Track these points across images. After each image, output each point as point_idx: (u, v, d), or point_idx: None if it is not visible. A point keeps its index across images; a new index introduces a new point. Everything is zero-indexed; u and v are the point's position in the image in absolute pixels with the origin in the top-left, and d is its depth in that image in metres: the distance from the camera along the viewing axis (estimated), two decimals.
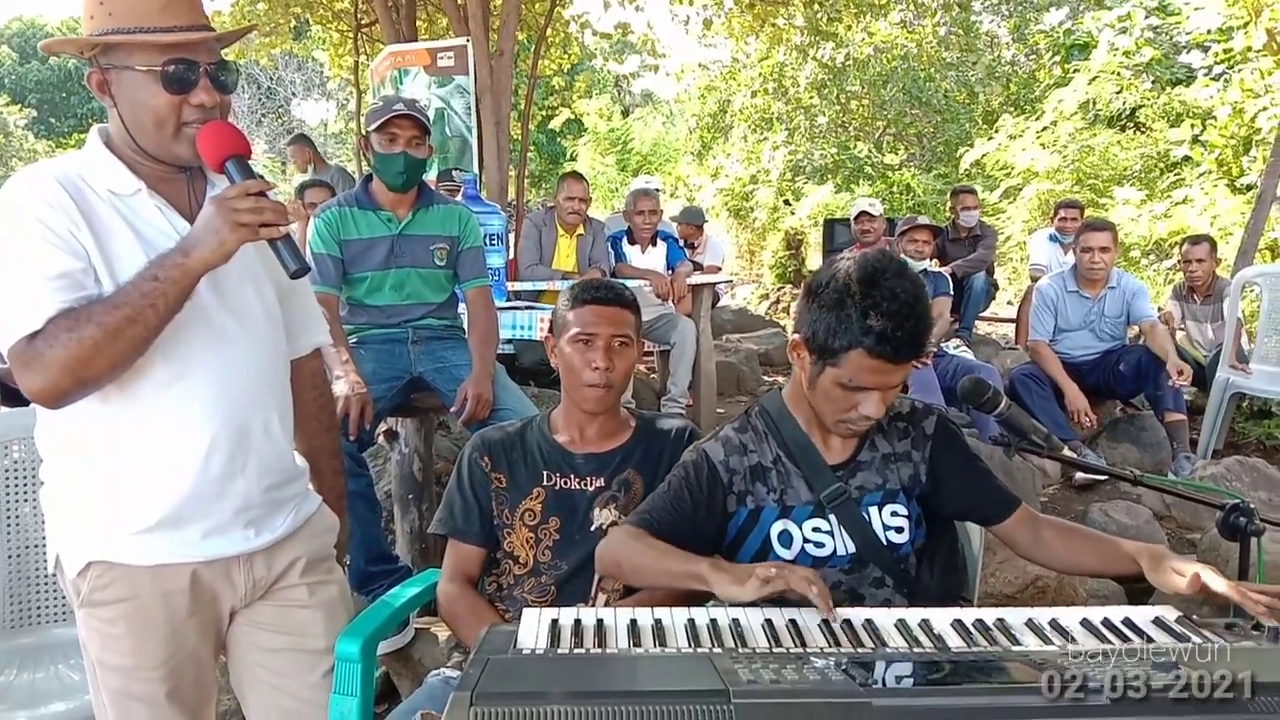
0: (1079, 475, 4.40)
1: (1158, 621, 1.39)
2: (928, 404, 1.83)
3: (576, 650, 1.24)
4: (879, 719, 1.01)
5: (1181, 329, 5.47)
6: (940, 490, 1.78)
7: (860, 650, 1.27)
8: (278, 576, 1.76)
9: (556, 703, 1.02)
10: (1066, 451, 1.79)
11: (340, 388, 2.66)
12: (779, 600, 1.41)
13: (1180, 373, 4.40)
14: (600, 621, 1.35)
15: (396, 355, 2.95)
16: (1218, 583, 1.45)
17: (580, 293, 1.95)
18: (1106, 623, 1.38)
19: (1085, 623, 1.38)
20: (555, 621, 1.35)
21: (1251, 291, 5.18)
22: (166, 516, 1.62)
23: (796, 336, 1.69)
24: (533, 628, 1.32)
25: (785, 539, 1.73)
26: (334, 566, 1.89)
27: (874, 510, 1.74)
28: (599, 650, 1.24)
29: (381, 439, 3.19)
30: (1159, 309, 5.46)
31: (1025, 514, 1.77)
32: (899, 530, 1.73)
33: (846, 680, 1.08)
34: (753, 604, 1.40)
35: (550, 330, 2.03)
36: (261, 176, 1.55)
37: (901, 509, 1.75)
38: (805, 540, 1.73)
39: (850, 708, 1.02)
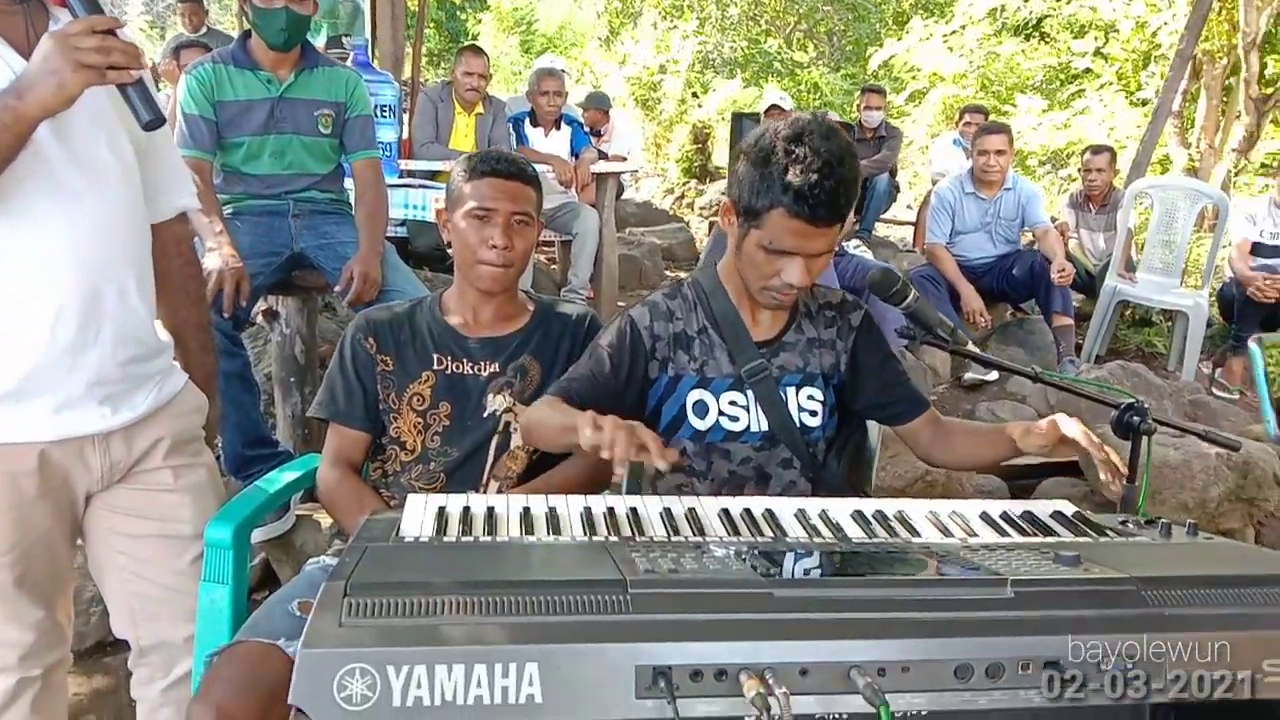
0: (968, 375, 4.50)
1: (1056, 515, 1.39)
2: (858, 299, 1.80)
3: (464, 539, 1.16)
4: (779, 608, 0.96)
5: (1075, 237, 5.59)
6: (856, 383, 1.78)
7: (760, 540, 1.22)
8: (138, 458, 1.63)
9: (439, 593, 0.94)
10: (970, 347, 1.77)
11: (213, 261, 2.47)
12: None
13: (1062, 271, 4.50)
14: (491, 510, 1.27)
15: (276, 229, 2.76)
16: (1071, 426, 1.52)
17: (478, 164, 1.81)
18: (1006, 516, 1.37)
19: (985, 516, 1.37)
20: (442, 509, 1.26)
21: (1143, 203, 5.30)
22: (9, 391, 1.47)
23: (726, 199, 1.67)
24: (417, 515, 1.24)
25: (700, 409, 1.71)
26: (202, 449, 1.76)
27: (791, 391, 1.72)
28: (489, 539, 1.17)
29: (261, 319, 3.00)
30: (1053, 218, 5.56)
31: (930, 416, 1.79)
32: (813, 414, 1.72)
33: (746, 569, 1.03)
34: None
35: (444, 204, 1.89)
36: (109, 13, 1.36)
37: (818, 394, 1.72)
38: (720, 413, 1.71)
39: (750, 597, 0.97)
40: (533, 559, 1.10)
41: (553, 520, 1.25)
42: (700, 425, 1.71)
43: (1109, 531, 1.34)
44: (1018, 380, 4.42)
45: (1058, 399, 3.89)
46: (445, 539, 1.15)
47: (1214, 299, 5.11)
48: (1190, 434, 1.83)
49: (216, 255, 2.49)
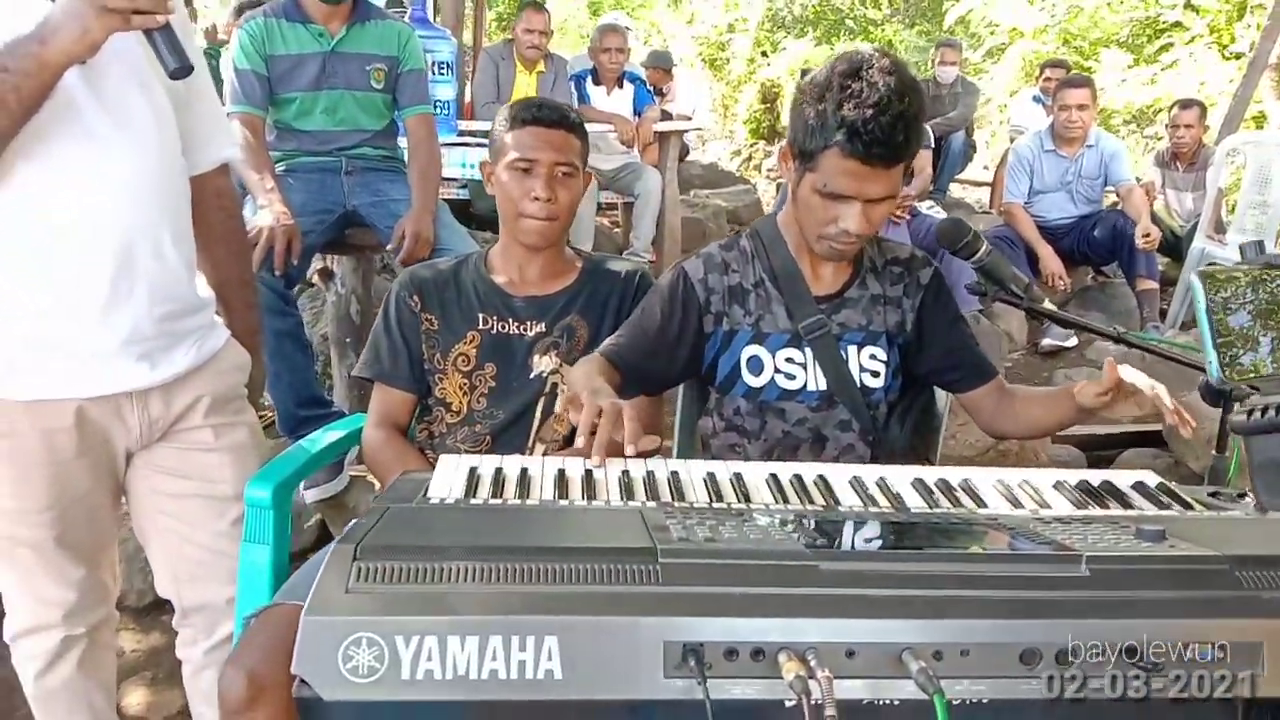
0: (1045, 341, 4.31)
1: (1138, 487, 1.27)
2: (928, 255, 1.69)
3: (493, 502, 1.10)
4: (825, 583, 0.88)
5: (1160, 197, 5.31)
6: (922, 345, 1.67)
7: (810, 508, 1.13)
8: (178, 416, 1.60)
9: (456, 558, 0.87)
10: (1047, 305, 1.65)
11: (264, 218, 2.44)
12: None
13: (1147, 235, 4.28)
14: (524, 471, 1.20)
15: (328, 186, 2.72)
16: (1128, 370, 1.40)
17: (519, 112, 1.73)
18: (1083, 487, 1.26)
19: (1059, 486, 1.26)
20: (474, 470, 1.20)
21: (1235, 161, 5.01)
22: (43, 346, 1.44)
23: (784, 143, 1.57)
24: (447, 476, 1.17)
25: (755, 365, 1.63)
26: (244, 408, 1.73)
27: (852, 350, 1.62)
28: (518, 503, 1.10)
29: (316, 279, 2.99)
30: (1138, 178, 5.29)
31: (996, 384, 1.68)
32: (875, 374, 1.62)
33: (790, 539, 0.94)
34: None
35: (488, 155, 1.82)
36: None
37: (881, 353, 1.63)
38: (776, 370, 1.63)
39: (793, 570, 0.88)
40: (562, 524, 1.03)
41: (588, 484, 1.18)
42: (755, 383, 1.63)
43: (1196, 505, 1.22)
44: (1098, 347, 4.22)
45: (1143, 366, 3.70)
46: (473, 501, 1.09)
47: None
48: None
49: (268, 212, 2.46)
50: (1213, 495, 1.26)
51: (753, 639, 0.83)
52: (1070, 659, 0.86)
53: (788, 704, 0.83)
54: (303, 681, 0.81)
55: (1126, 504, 1.22)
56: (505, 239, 1.81)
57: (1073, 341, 4.30)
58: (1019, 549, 0.96)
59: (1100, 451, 3.02)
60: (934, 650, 0.85)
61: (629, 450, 1.22)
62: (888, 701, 0.85)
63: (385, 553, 0.88)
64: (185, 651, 1.75)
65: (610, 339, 1.65)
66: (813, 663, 0.81)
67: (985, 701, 0.86)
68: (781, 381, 1.62)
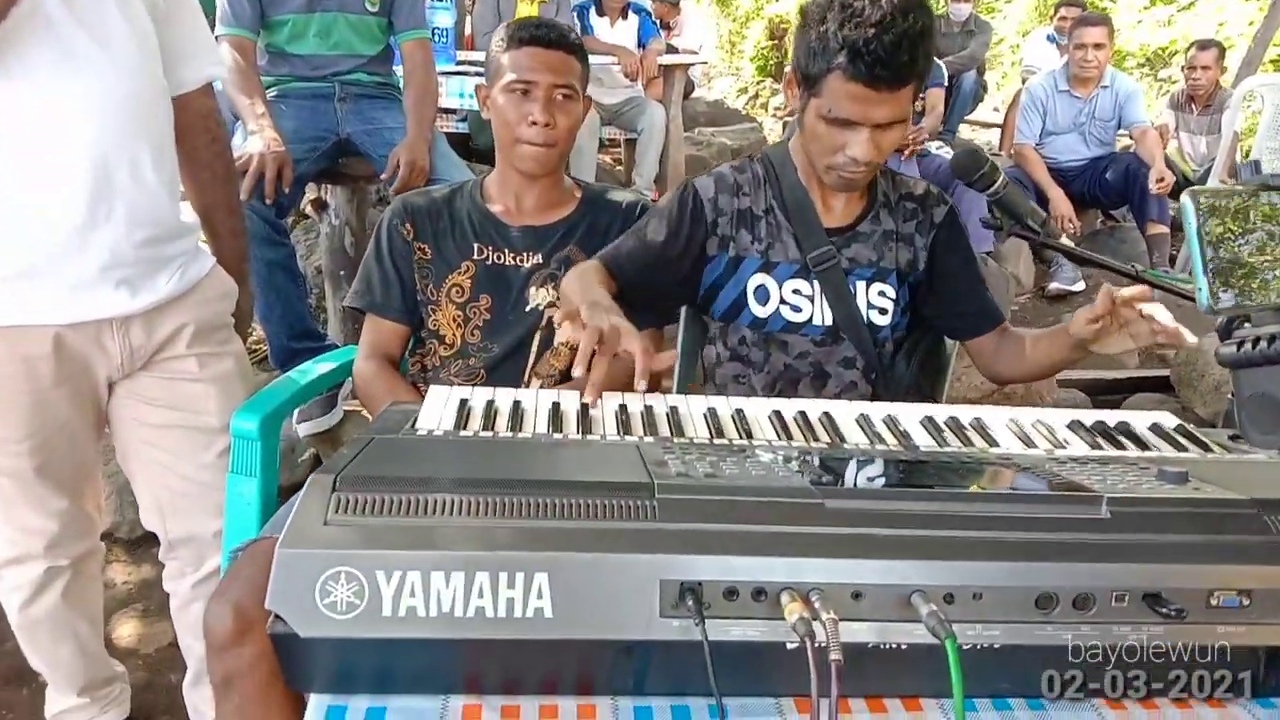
0: (1052, 285, 4.25)
1: (1155, 429, 1.22)
2: (943, 192, 1.63)
3: (484, 434, 1.05)
4: (831, 521, 0.83)
5: (1174, 140, 5.20)
6: (933, 285, 1.62)
7: (815, 445, 1.09)
8: (160, 345, 1.55)
9: (442, 490, 0.82)
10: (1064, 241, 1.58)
11: (254, 144, 2.36)
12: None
13: (1161, 179, 4.19)
14: (517, 404, 1.15)
15: (321, 113, 2.63)
16: (1123, 291, 1.35)
17: (517, 31, 1.65)
18: (1100, 427, 1.21)
19: (1075, 425, 1.21)
20: (464, 402, 1.15)
21: (1251, 104, 4.88)
22: (19, 271, 1.39)
23: (789, 70, 1.51)
24: (437, 408, 1.12)
25: (762, 295, 1.58)
26: (230, 337, 1.68)
27: (861, 285, 1.57)
28: (510, 436, 1.05)
29: (310, 209, 2.91)
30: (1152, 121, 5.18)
31: (1001, 329, 1.63)
32: (883, 311, 1.57)
33: (795, 476, 0.90)
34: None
35: (485, 79, 1.74)
36: None
37: (890, 291, 1.57)
38: (783, 301, 1.57)
39: (797, 508, 0.84)
40: (554, 458, 0.98)
41: (584, 418, 1.13)
42: (760, 312, 1.57)
43: (1216, 448, 1.17)
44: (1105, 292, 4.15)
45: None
46: (462, 433, 1.04)
47: None
48: None
49: (259, 138, 2.38)
50: (1233, 438, 1.21)
51: (754, 578, 0.79)
52: (1088, 604, 0.82)
53: (789, 646, 0.80)
54: (278, 617, 0.77)
55: (1143, 445, 1.17)
56: (501, 166, 1.74)
57: (1080, 286, 4.24)
58: (1036, 489, 0.91)
59: (1106, 396, 2.97)
60: (945, 593, 0.80)
61: (639, 386, 1.14)
62: (895, 645, 0.81)
63: (367, 483, 0.83)
64: (172, 584, 1.72)
65: (609, 247, 1.59)
66: (817, 604, 0.77)
67: (998, 647, 0.82)
68: (787, 313, 1.56)
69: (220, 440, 1.61)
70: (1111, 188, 4.43)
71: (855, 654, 0.78)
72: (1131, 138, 4.57)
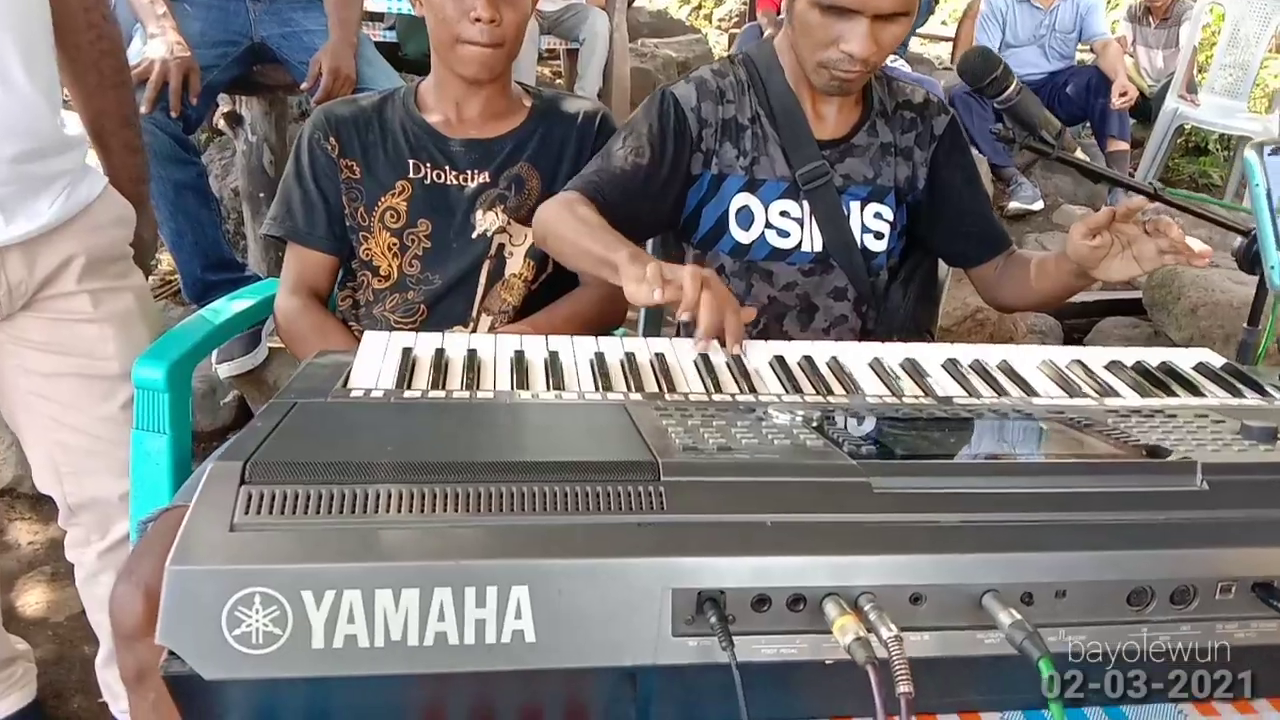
0: (1012, 204, 4.12)
1: (1202, 369, 1.07)
2: (944, 102, 1.45)
3: (434, 395, 0.85)
4: (882, 507, 0.66)
5: (1130, 54, 5.07)
6: (934, 205, 1.44)
7: (833, 400, 0.92)
8: (45, 280, 1.32)
9: (384, 479, 0.64)
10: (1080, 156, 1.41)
11: (155, 49, 2.08)
12: None
13: (1124, 93, 4.07)
14: (473, 354, 0.96)
15: (232, 14, 2.33)
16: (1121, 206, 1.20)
17: None
18: (1140, 368, 1.06)
19: (1115, 366, 1.05)
20: (407, 351, 0.95)
21: (1206, 22, 4.76)
22: None
23: None
24: (374, 360, 0.93)
25: (745, 218, 1.39)
26: (129, 270, 1.45)
27: (855, 206, 1.39)
28: (466, 395, 0.86)
29: (223, 124, 2.63)
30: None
31: (1008, 254, 1.47)
32: (878, 236, 1.39)
33: (827, 447, 0.73)
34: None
35: None
36: None
37: (887, 212, 1.39)
38: (768, 224, 1.39)
39: (839, 490, 0.67)
40: (525, 427, 0.79)
41: (553, 369, 0.94)
42: (743, 238, 1.39)
43: (1270, 390, 1.03)
44: (1065, 210, 4.05)
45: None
46: (407, 394, 0.84)
47: None
48: None
49: (160, 42, 2.09)
50: None
51: (790, 583, 0.62)
52: (1188, 598, 0.67)
53: (828, 662, 0.63)
54: (173, 654, 0.58)
55: (1194, 390, 1.02)
56: (439, 71, 1.51)
57: (1039, 205, 4.12)
58: (1115, 457, 0.75)
59: (1076, 320, 2.86)
60: (1023, 592, 0.64)
61: (734, 349, 1.02)
62: (963, 659, 0.65)
63: (286, 472, 0.64)
64: (76, 554, 1.52)
65: (587, 174, 1.38)
66: (871, 615, 0.60)
67: (1084, 654, 0.66)
68: (773, 239, 1.38)
69: (123, 389, 1.39)
70: (1072, 102, 4.29)
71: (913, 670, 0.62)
72: (1093, 50, 4.43)
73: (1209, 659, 0.68)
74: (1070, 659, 0.65)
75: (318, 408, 0.78)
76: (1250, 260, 1.45)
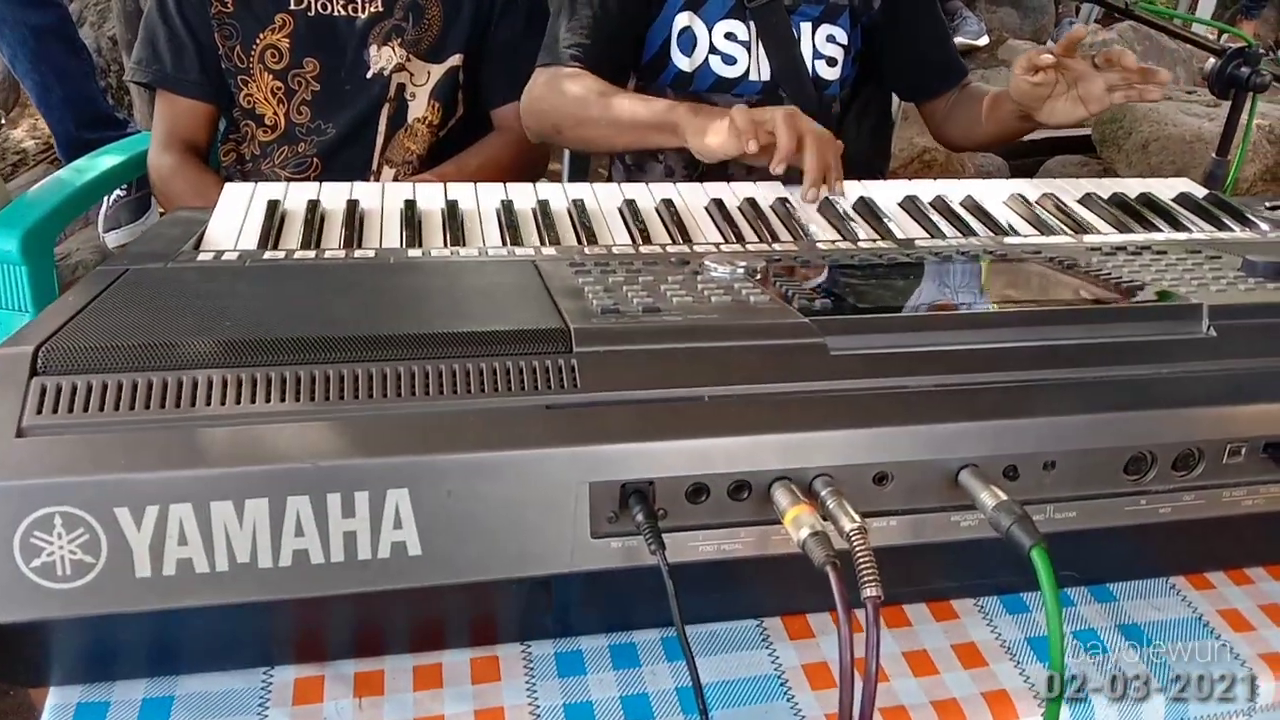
0: (956, 39, 3.93)
1: (1183, 200, 0.97)
2: None
3: (301, 255, 0.71)
4: (839, 372, 0.55)
5: None
6: (892, 28, 1.29)
7: (779, 248, 0.79)
8: None
9: (221, 362, 0.50)
10: None
11: None
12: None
13: None
14: (353, 206, 0.81)
15: None
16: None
17: None
18: (1118, 200, 0.95)
19: (1090, 200, 0.94)
20: (274, 205, 0.80)
21: None
22: None
23: None
24: (234, 216, 0.78)
25: (687, 42, 1.24)
26: None
27: (806, 28, 1.23)
28: (341, 255, 0.71)
29: None
30: None
31: (962, 86, 1.34)
32: (831, 62, 1.25)
33: (773, 302, 0.61)
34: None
35: None
36: None
37: (841, 35, 1.25)
38: (712, 49, 1.24)
39: (788, 354, 0.55)
40: (409, 294, 0.65)
41: (452, 220, 0.80)
42: (685, 65, 1.24)
43: (1257, 221, 0.93)
44: (1010, 45, 3.88)
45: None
46: (269, 254, 0.70)
47: None
48: None
49: None
50: (1272, 208, 0.97)
51: (732, 468, 0.51)
52: (1191, 462, 0.57)
53: (777, 554, 0.53)
54: None
55: (1176, 224, 0.91)
56: None
57: (984, 40, 3.93)
58: (1107, 301, 0.64)
59: (1024, 159, 2.75)
60: (1006, 465, 0.54)
61: (831, 189, 0.93)
62: (939, 544, 0.55)
63: (93, 357, 0.50)
64: None
65: (555, 38, 1.21)
66: (829, 501, 0.50)
67: (1074, 533, 0.57)
68: (717, 65, 1.23)
69: None
70: None
71: (880, 559, 0.52)
72: None
73: (1210, 530, 0.60)
74: (1058, 539, 0.55)
75: (153, 275, 0.63)
76: (1224, 83, 1.34)
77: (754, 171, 1.26)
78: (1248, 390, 0.59)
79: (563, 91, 1.16)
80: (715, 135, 0.95)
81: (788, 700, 0.53)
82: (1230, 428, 0.57)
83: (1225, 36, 2.08)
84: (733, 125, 0.94)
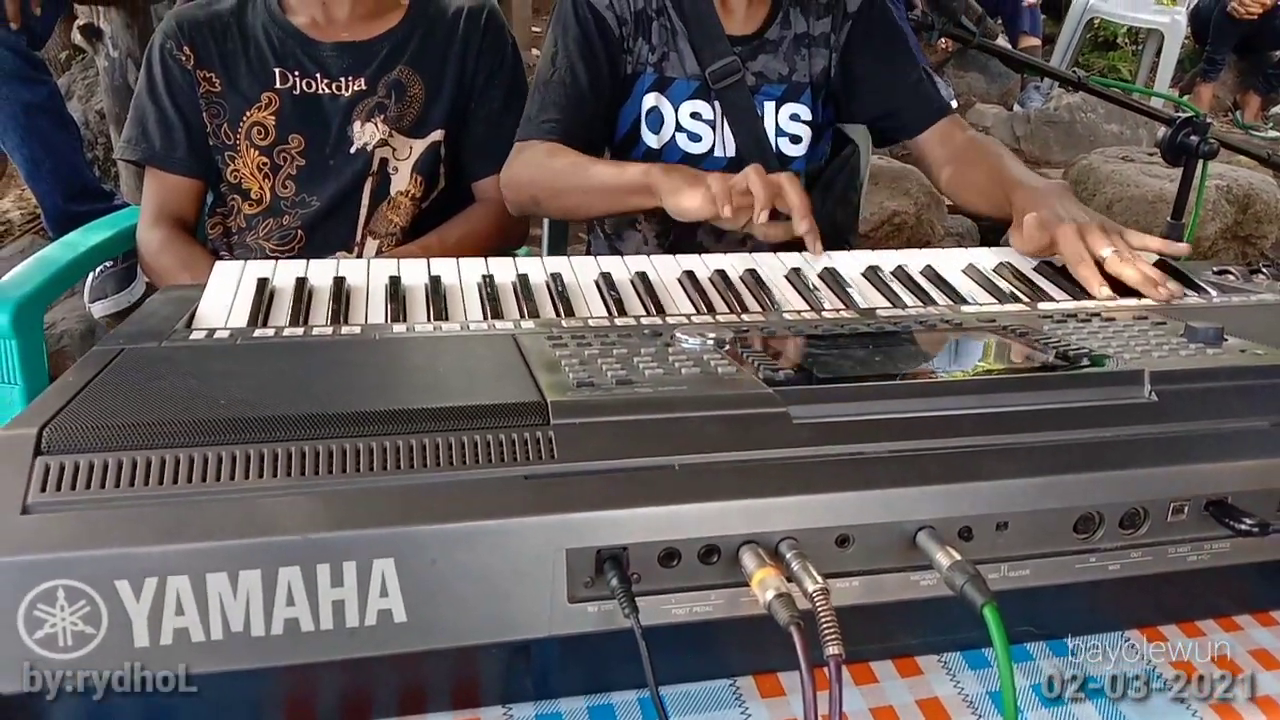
0: None
1: None
2: None
3: (290, 332, 0.74)
4: (802, 439, 0.58)
5: None
6: (852, 90, 1.35)
7: (747, 319, 0.83)
8: None
9: (218, 439, 0.53)
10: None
11: None
12: None
13: None
14: (340, 282, 0.85)
15: None
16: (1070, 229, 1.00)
17: None
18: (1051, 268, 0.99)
19: (1045, 268, 0.99)
20: (264, 282, 0.83)
21: None
22: None
23: None
24: (224, 294, 0.81)
25: (655, 120, 1.29)
26: None
27: (770, 107, 1.29)
28: (329, 332, 0.75)
29: (80, 40, 2.39)
30: None
31: (947, 127, 1.34)
32: (795, 140, 1.30)
33: (741, 372, 0.64)
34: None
35: None
36: None
37: (804, 112, 1.30)
38: (679, 128, 1.29)
39: (753, 423, 0.59)
40: (394, 368, 0.69)
41: (435, 295, 0.83)
42: (654, 143, 1.29)
43: (1207, 287, 0.98)
44: (979, 110, 4.01)
45: (1026, 131, 3.49)
46: (259, 333, 0.73)
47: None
48: (1253, 156, 1.46)
49: None
50: (1219, 273, 1.02)
51: (701, 533, 0.54)
52: (1137, 521, 0.61)
53: (747, 615, 0.56)
54: None
55: (1128, 290, 0.96)
56: None
57: (953, 105, 4.06)
58: (1055, 367, 0.68)
59: (992, 221, 2.82)
60: (961, 526, 0.58)
61: (800, 228, 0.98)
62: (898, 603, 0.58)
63: (93, 437, 0.53)
64: None
65: (529, 118, 1.26)
66: (794, 564, 0.53)
67: (1028, 590, 0.60)
68: (684, 143, 1.28)
69: None
70: None
71: (842, 618, 0.55)
72: None
73: (1159, 585, 0.63)
74: (1013, 596, 0.58)
75: (148, 355, 0.66)
76: (1174, 150, 1.40)
77: (723, 236, 1.31)
78: (1189, 452, 0.62)
79: (540, 164, 1.20)
80: (691, 200, 0.99)
81: None
82: (1173, 488, 0.61)
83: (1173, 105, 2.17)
84: (708, 190, 0.98)
